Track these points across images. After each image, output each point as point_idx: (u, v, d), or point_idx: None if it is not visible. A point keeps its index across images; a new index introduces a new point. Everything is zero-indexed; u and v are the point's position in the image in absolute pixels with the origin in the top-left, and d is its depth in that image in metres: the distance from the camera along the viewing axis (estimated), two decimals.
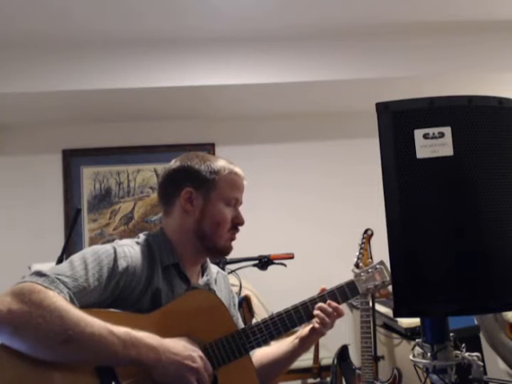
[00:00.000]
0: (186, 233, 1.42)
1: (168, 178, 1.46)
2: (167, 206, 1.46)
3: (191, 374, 1.22)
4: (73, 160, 4.06)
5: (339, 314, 1.46)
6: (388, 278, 1.55)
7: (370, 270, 1.57)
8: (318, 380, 3.23)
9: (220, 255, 1.52)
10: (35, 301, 1.13)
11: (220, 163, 1.45)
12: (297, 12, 3.04)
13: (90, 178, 4.07)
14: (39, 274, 1.20)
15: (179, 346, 1.24)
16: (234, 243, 1.47)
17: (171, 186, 1.45)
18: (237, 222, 1.45)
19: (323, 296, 1.48)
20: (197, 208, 1.41)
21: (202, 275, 1.52)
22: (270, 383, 1.57)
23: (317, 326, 1.44)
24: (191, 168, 1.43)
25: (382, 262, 1.58)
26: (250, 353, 1.42)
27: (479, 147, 1.03)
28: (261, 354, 1.55)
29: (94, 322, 1.16)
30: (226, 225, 1.42)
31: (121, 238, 1.41)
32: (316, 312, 1.44)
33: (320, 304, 1.45)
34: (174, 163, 1.47)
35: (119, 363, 1.19)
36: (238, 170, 1.47)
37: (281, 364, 1.55)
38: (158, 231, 1.46)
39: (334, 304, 1.46)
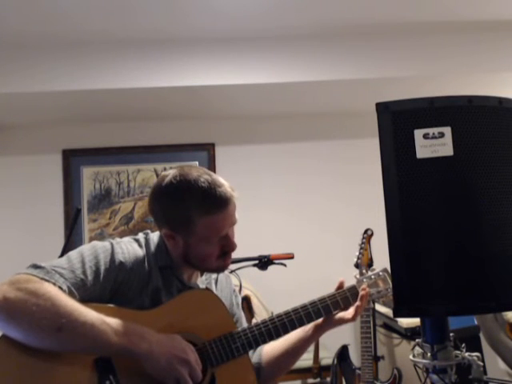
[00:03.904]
0: (175, 255, 1.40)
1: (149, 203, 1.40)
2: None
3: (183, 366, 1.22)
4: (73, 160, 4.06)
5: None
6: (391, 286, 1.52)
7: (372, 277, 1.56)
8: (318, 380, 3.23)
9: (214, 273, 1.53)
10: (30, 289, 1.15)
11: (196, 203, 1.31)
12: (296, 12, 3.04)
13: (90, 178, 4.07)
14: (36, 266, 1.23)
15: (172, 340, 1.25)
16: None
17: (152, 214, 1.41)
18: (226, 251, 1.39)
19: (324, 299, 1.47)
20: (179, 245, 1.37)
21: (201, 274, 1.51)
22: (281, 374, 1.57)
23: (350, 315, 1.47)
24: (167, 212, 1.35)
25: (385, 270, 1.56)
26: (259, 347, 1.42)
27: (479, 147, 1.03)
28: (271, 347, 1.54)
29: (87, 312, 1.18)
30: (213, 257, 1.38)
31: (121, 238, 1.41)
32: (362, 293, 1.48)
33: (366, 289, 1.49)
34: (153, 193, 1.38)
35: (112, 352, 1.20)
36: (221, 196, 1.32)
37: (291, 354, 1.53)
38: (158, 233, 1.44)
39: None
